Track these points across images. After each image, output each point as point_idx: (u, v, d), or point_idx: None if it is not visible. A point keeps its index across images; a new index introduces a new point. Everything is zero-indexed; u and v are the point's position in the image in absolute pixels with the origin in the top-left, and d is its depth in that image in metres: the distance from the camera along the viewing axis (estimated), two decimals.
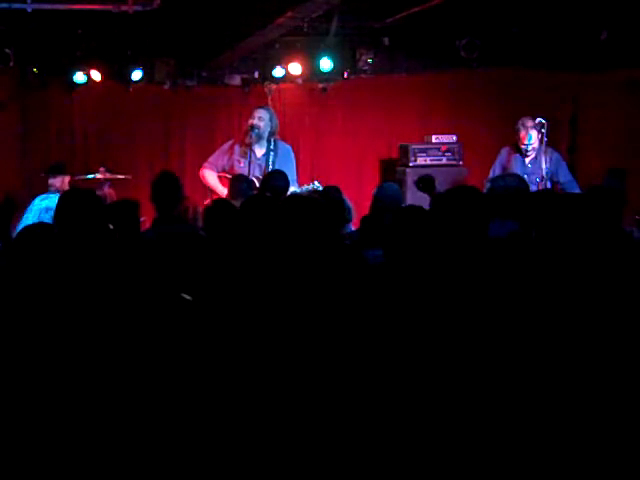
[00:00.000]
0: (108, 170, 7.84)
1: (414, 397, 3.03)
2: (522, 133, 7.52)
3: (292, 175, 7.13)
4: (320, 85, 9.28)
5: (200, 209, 6.37)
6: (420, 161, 8.81)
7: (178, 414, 3.06)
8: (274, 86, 9.17)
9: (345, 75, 9.14)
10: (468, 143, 8.98)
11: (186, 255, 3.76)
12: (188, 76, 9.07)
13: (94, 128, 9.07)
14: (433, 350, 3.13)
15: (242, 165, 7.49)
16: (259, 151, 7.61)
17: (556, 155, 7.63)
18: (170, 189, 5.49)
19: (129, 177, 8.09)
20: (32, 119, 8.91)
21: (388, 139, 9.49)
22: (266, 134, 7.60)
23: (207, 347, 3.24)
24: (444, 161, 8.89)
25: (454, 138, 8.97)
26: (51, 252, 3.57)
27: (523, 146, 7.54)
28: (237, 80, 9.25)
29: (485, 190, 5.26)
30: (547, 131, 7.34)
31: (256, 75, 9.11)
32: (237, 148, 7.71)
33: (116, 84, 8.85)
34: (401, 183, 8.27)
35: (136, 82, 8.75)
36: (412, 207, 4.09)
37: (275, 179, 6.25)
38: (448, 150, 8.90)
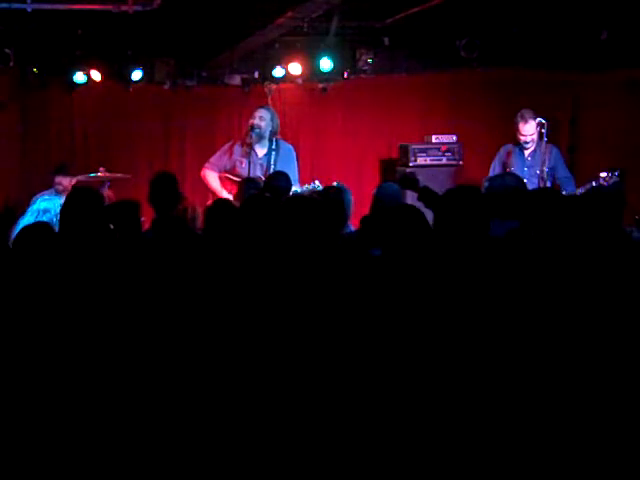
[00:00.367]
0: (108, 170, 7.83)
1: (414, 397, 3.03)
2: (521, 124, 7.52)
3: (294, 175, 7.12)
4: (320, 85, 9.28)
5: (198, 209, 6.37)
6: (420, 161, 8.81)
7: (179, 413, 3.06)
8: (274, 86, 9.17)
9: (345, 75, 9.13)
10: (468, 143, 8.98)
11: (186, 255, 3.77)
12: (188, 76, 9.07)
13: (94, 128, 9.07)
14: (433, 349, 3.13)
15: (244, 165, 7.49)
16: (260, 151, 7.60)
17: (556, 150, 7.63)
18: (168, 189, 5.49)
19: (129, 177, 8.08)
20: (32, 119, 8.90)
21: (388, 139, 9.49)
22: (267, 134, 7.59)
23: (208, 347, 3.24)
24: (444, 161, 8.90)
25: (454, 138, 8.98)
26: (50, 252, 3.57)
27: (522, 137, 7.54)
28: (237, 80, 9.24)
29: (483, 189, 5.25)
30: (547, 131, 7.34)
31: (256, 75, 9.10)
32: (237, 148, 7.70)
33: (116, 84, 8.84)
34: None
35: (136, 82, 8.75)
36: (407, 206, 4.10)
37: (277, 180, 6.23)
38: (448, 150, 8.91)
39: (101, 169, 7.75)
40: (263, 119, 7.59)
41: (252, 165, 7.39)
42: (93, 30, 8.06)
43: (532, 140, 7.51)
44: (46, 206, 6.15)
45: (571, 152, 9.19)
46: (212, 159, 7.79)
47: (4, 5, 7.04)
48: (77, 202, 4.30)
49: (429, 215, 3.84)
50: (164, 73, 8.86)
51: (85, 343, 3.22)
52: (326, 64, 8.60)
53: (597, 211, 3.87)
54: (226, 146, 7.86)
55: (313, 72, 8.89)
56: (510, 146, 7.78)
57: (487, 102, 9.35)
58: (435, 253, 3.53)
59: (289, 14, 7.01)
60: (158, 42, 8.53)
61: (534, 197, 4.58)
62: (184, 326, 3.32)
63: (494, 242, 3.69)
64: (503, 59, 9.07)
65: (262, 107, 7.88)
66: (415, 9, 7.63)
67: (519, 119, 7.55)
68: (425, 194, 5.01)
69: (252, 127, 7.53)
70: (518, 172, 7.43)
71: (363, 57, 8.98)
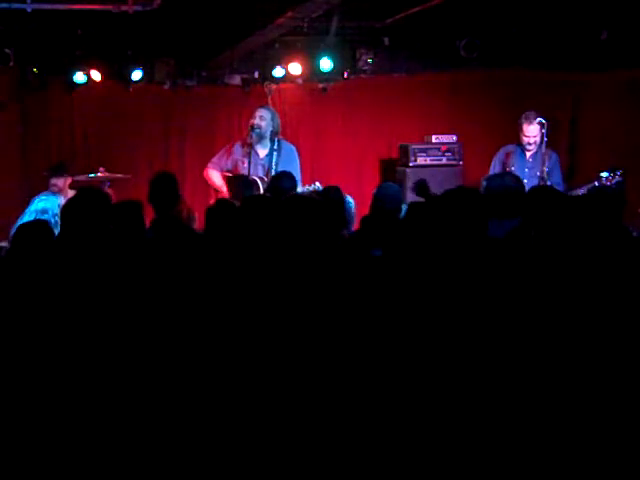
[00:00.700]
0: (108, 170, 7.83)
1: (414, 397, 3.03)
2: (525, 125, 7.51)
3: (296, 175, 7.11)
4: (320, 85, 9.28)
5: (194, 212, 6.37)
6: (420, 161, 8.81)
7: (179, 413, 3.05)
8: (274, 86, 9.16)
9: (345, 75, 9.13)
10: (468, 143, 8.98)
11: (186, 255, 3.77)
12: (188, 76, 9.06)
13: (94, 128, 9.06)
14: (434, 349, 3.12)
15: (245, 165, 7.48)
16: (262, 151, 7.59)
17: (554, 156, 7.63)
18: (168, 189, 5.49)
19: (129, 177, 8.08)
20: (32, 119, 8.89)
21: (388, 139, 9.48)
22: (268, 134, 7.58)
23: (208, 346, 3.24)
24: (444, 161, 8.89)
25: (454, 138, 8.97)
26: (47, 250, 3.57)
27: (526, 138, 7.53)
28: (237, 80, 9.24)
29: (481, 189, 5.25)
30: (547, 131, 7.34)
31: (256, 75, 9.10)
32: (238, 148, 7.69)
33: (116, 84, 8.84)
34: (401, 183, 8.27)
35: (136, 82, 8.74)
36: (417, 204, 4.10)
37: (282, 180, 6.21)
38: (448, 150, 8.90)
39: (101, 169, 7.74)
40: (263, 119, 7.58)
41: (253, 165, 7.38)
42: (93, 30, 8.05)
43: (535, 142, 7.51)
44: (44, 206, 6.14)
45: (571, 152, 9.19)
46: (214, 159, 7.80)
47: (4, 5, 7.04)
48: (85, 202, 4.28)
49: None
50: (164, 73, 8.86)
51: (85, 342, 3.22)
52: (326, 64, 8.60)
53: (598, 210, 3.87)
54: (228, 146, 7.86)
55: (313, 72, 8.88)
56: (510, 147, 7.78)
57: (487, 102, 9.35)
58: (434, 254, 3.53)
59: (289, 14, 7.01)
60: (158, 42, 8.52)
61: (534, 196, 4.58)
62: (184, 326, 3.32)
63: (493, 242, 3.69)
64: (503, 59, 9.08)
65: (262, 107, 7.87)
66: (415, 9, 7.63)
67: (523, 120, 7.54)
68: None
69: (252, 127, 7.52)
70: (519, 173, 7.43)
71: (363, 57, 8.98)
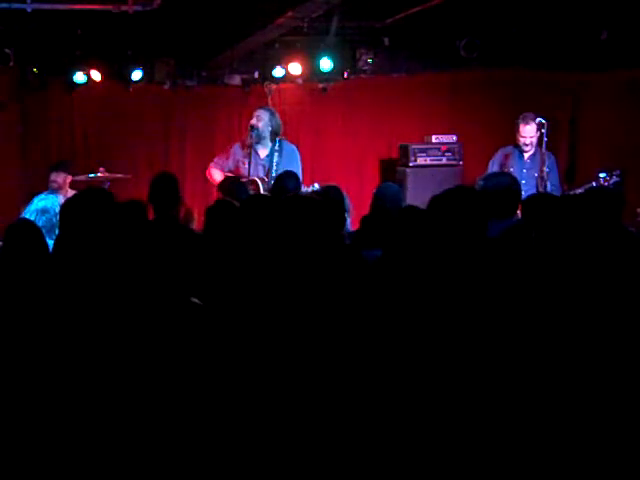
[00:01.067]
0: (108, 170, 7.84)
1: (413, 397, 3.03)
2: (521, 125, 7.51)
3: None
4: (320, 85, 9.28)
5: (194, 213, 6.36)
6: (420, 161, 8.82)
7: (179, 413, 3.06)
8: (274, 86, 9.17)
9: (345, 75, 9.13)
10: (468, 143, 8.99)
11: (185, 255, 3.77)
12: (188, 76, 9.07)
13: (94, 128, 9.07)
14: (433, 349, 3.13)
15: (246, 166, 7.48)
16: (262, 152, 7.59)
17: (552, 159, 7.63)
18: (168, 189, 5.49)
19: (129, 177, 8.09)
20: (32, 119, 8.90)
21: (388, 139, 9.49)
22: (267, 134, 7.58)
23: (208, 347, 3.24)
24: (444, 161, 8.90)
25: (454, 138, 8.98)
26: (36, 250, 3.57)
27: (522, 139, 7.53)
28: (237, 80, 9.24)
29: (477, 188, 5.26)
30: (547, 131, 7.34)
31: (256, 75, 9.10)
32: (238, 149, 7.70)
33: (116, 84, 8.84)
34: (401, 183, 8.28)
35: (136, 82, 8.75)
36: (411, 208, 4.09)
37: (286, 180, 6.20)
38: (448, 150, 8.91)
39: (101, 169, 7.75)
40: (261, 119, 7.58)
41: (253, 166, 7.38)
42: (93, 30, 8.06)
43: (532, 143, 7.51)
44: (44, 205, 6.13)
45: (571, 152, 9.20)
46: (216, 159, 7.81)
47: (4, 5, 7.05)
48: (87, 201, 4.26)
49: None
50: (164, 73, 8.86)
51: (85, 343, 3.22)
52: (326, 64, 8.60)
53: (597, 210, 3.87)
54: (229, 147, 7.88)
55: (313, 72, 8.89)
56: (509, 148, 7.78)
57: (487, 102, 9.36)
58: (434, 254, 3.53)
59: (289, 14, 7.02)
60: (158, 42, 8.53)
61: (532, 203, 4.59)
62: (184, 325, 3.33)
63: (491, 242, 3.69)
64: (503, 59, 9.08)
65: (261, 107, 7.89)
66: (415, 9, 7.63)
67: (520, 121, 7.55)
68: None
69: (251, 127, 7.53)
70: (516, 174, 7.43)
71: (363, 57, 8.99)
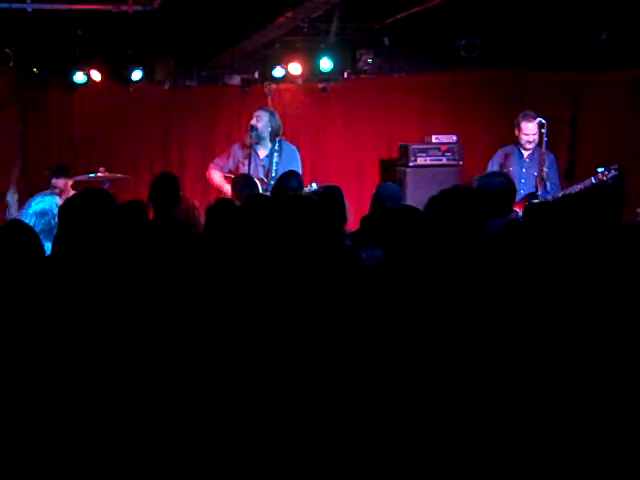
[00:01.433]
0: (108, 170, 7.84)
1: (414, 397, 3.03)
2: (523, 123, 7.51)
3: None
4: (320, 85, 9.28)
5: (195, 209, 6.35)
6: (420, 161, 8.81)
7: (179, 413, 3.06)
8: (274, 86, 9.17)
9: (345, 75, 9.13)
10: (468, 143, 8.98)
11: (185, 255, 3.76)
12: (188, 76, 9.07)
13: (94, 128, 9.06)
14: (433, 350, 3.13)
15: (245, 167, 7.48)
16: (262, 152, 7.59)
17: (552, 157, 7.64)
18: (168, 190, 5.49)
19: (129, 177, 8.08)
20: (32, 119, 8.90)
21: (388, 139, 9.49)
22: (267, 134, 7.58)
23: (207, 347, 3.24)
24: (444, 161, 8.89)
25: (454, 138, 8.97)
26: (29, 252, 3.56)
27: (525, 136, 7.53)
28: (237, 80, 9.24)
29: (473, 188, 5.28)
30: (547, 131, 7.34)
31: (256, 75, 9.10)
32: (238, 150, 7.71)
33: (116, 84, 8.84)
34: (401, 183, 8.27)
35: (136, 82, 8.74)
36: (407, 208, 4.09)
37: (288, 180, 6.20)
38: (448, 150, 8.90)
39: (101, 169, 7.75)
40: (260, 119, 7.59)
41: (253, 166, 7.38)
42: (93, 30, 8.06)
43: (534, 140, 7.51)
44: (42, 208, 6.13)
45: (571, 152, 9.20)
46: (216, 160, 7.82)
47: (4, 5, 7.05)
48: (86, 201, 4.26)
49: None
50: (164, 73, 8.86)
51: (83, 343, 3.22)
52: (326, 64, 8.60)
53: (597, 208, 3.88)
54: (229, 148, 7.89)
55: (313, 72, 8.88)
56: (509, 148, 7.78)
57: (487, 102, 9.36)
58: (432, 253, 3.53)
59: (289, 14, 7.00)
60: (158, 42, 8.52)
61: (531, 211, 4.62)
62: (184, 325, 3.32)
63: (488, 241, 3.69)
64: (503, 59, 9.08)
65: (261, 108, 7.90)
66: (415, 9, 7.63)
67: (522, 119, 7.54)
68: None
69: (251, 128, 7.54)
70: (516, 174, 7.44)
71: (363, 57, 8.98)
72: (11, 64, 8.25)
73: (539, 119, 7.40)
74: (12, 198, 6.64)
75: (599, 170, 6.89)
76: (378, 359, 3.13)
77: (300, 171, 7.38)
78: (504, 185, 5.22)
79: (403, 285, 3.45)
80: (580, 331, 3.11)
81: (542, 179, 7.31)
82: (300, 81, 9.26)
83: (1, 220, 7.82)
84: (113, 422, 3.04)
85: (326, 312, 3.31)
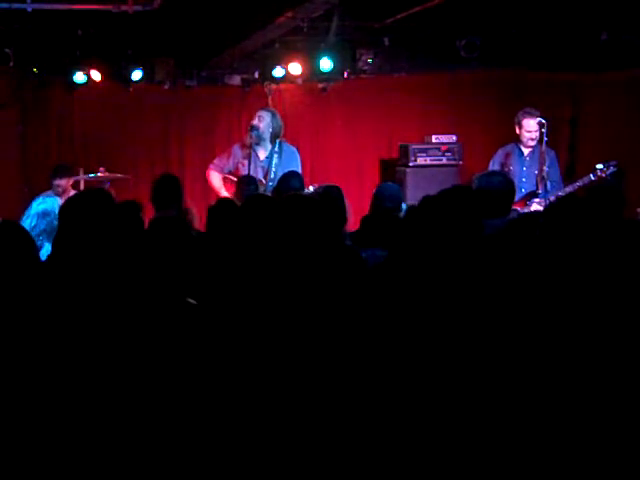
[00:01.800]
0: (108, 170, 7.84)
1: (414, 397, 3.03)
2: (525, 120, 7.51)
3: None
4: (320, 85, 9.28)
5: (194, 211, 6.37)
6: (420, 161, 8.82)
7: (179, 413, 3.06)
8: (274, 86, 9.17)
9: (345, 75, 9.12)
10: (468, 143, 8.99)
11: (184, 255, 3.76)
12: (188, 76, 9.07)
13: (94, 128, 9.06)
14: (434, 349, 3.13)
15: (245, 167, 7.48)
16: (262, 153, 7.59)
17: (552, 154, 7.65)
18: (169, 190, 5.50)
19: (129, 177, 8.09)
20: (32, 119, 8.91)
21: (388, 139, 9.49)
22: (267, 135, 7.58)
23: (207, 347, 3.24)
24: (444, 161, 8.90)
25: (454, 138, 8.98)
26: (22, 251, 3.56)
27: (527, 133, 7.53)
28: (237, 80, 9.25)
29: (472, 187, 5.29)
30: (547, 131, 7.34)
31: (256, 75, 9.10)
32: (238, 150, 7.71)
33: (116, 84, 8.84)
34: (401, 183, 8.28)
35: (136, 82, 8.75)
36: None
37: (290, 180, 6.20)
38: (448, 150, 8.91)
39: (101, 169, 7.75)
40: (262, 119, 7.59)
41: (253, 167, 7.38)
42: (93, 30, 8.06)
43: (536, 137, 7.50)
44: (44, 208, 6.13)
45: (571, 152, 9.21)
46: (216, 160, 7.82)
47: (4, 5, 7.05)
48: (85, 201, 4.26)
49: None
50: (164, 73, 8.86)
51: (82, 343, 3.22)
52: (326, 64, 8.59)
53: (597, 207, 3.88)
54: (229, 148, 7.89)
55: (313, 72, 8.88)
56: (509, 147, 7.79)
57: (487, 102, 9.36)
58: (433, 253, 3.53)
59: (289, 14, 7.01)
60: (158, 42, 8.52)
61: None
62: (184, 326, 3.33)
63: (487, 240, 3.69)
64: (503, 59, 9.08)
65: (263, 108, 7.90)
66: (415, 9, 7.63)
67: (524, 116, 7.54)
68: None
69: (251, 127, 7.54)
70: (517, 172, 7.45)
71: (363, 57, 8.98)
72: (11, 64, 8.25)
73: (539, 119, 7.41)
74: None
75: (598, 167, 6.90)
76: (379, 358, 3.13)
77: (300, 172, 7.39)
78: (503, 184, 5.23)
79: (403, 285, 3.45)
80: (581, 330, 3.11)
81: (542, 178, 7.31)
82: (300, 81, 9.26)
83: None
84: (111, 424, 3.04)
85: (328, 311, 3.31)
